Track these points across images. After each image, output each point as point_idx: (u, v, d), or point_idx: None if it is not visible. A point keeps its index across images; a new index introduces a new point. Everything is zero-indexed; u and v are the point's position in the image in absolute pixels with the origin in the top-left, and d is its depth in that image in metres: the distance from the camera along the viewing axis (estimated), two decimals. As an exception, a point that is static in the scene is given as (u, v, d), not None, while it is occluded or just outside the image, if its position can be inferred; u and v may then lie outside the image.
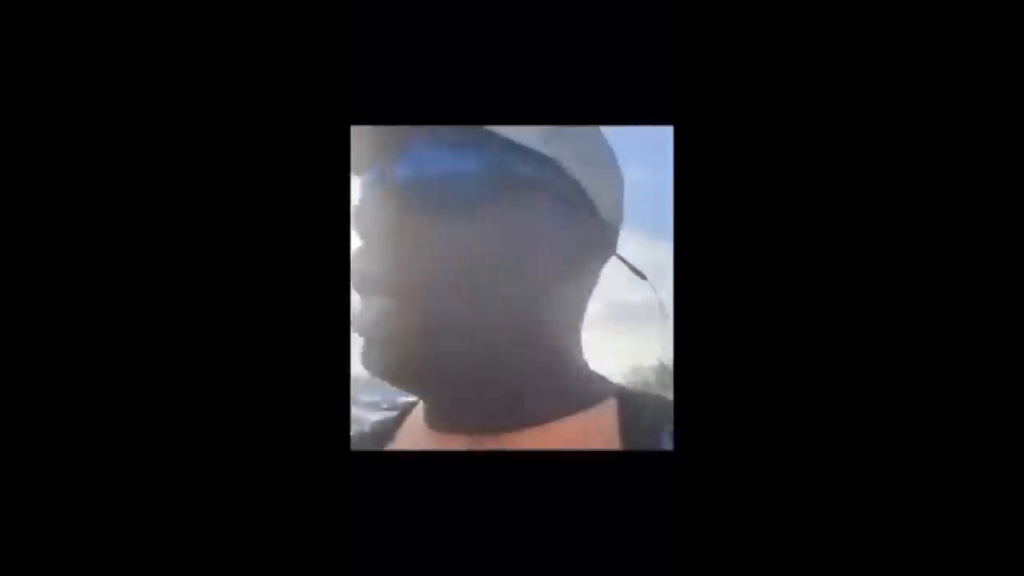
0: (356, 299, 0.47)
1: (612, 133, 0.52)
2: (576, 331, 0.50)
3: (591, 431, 0.47)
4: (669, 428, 0.46)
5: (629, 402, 0.49)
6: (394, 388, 0.47)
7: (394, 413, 0.57)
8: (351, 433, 0.53)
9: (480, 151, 0.44)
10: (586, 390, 0.49)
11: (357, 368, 0.49)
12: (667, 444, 0.45)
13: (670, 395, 0.50)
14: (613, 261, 0.52)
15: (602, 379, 0.51)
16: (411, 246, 0.44)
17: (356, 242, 0.47)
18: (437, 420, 0.49)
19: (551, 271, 0.45)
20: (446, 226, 0.43)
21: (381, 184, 0.46)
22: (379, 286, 0.44)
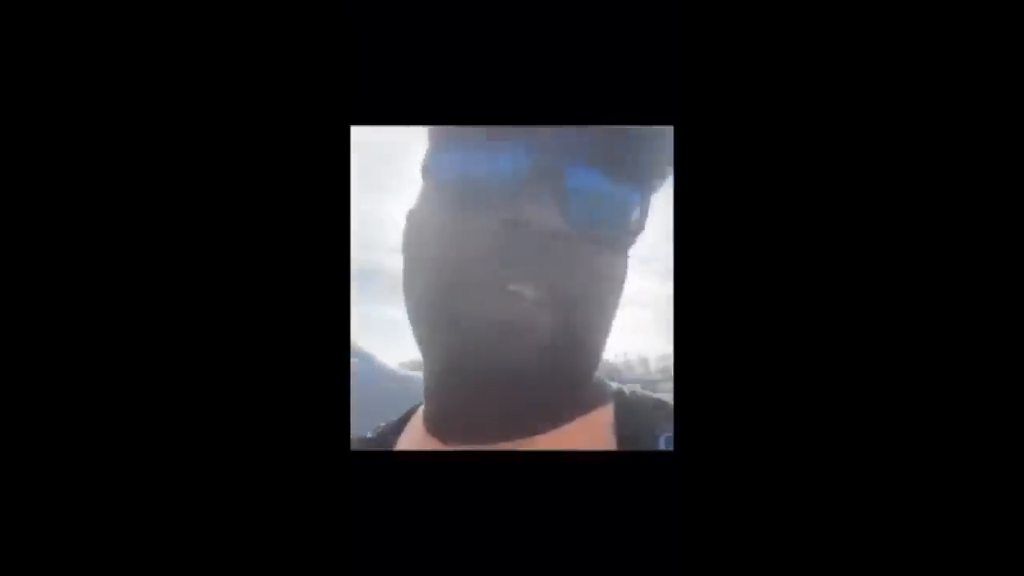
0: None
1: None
2: (595, 350, 0.48)
3: (587, 438, 0.46)
4: (667, 435, 0.45)
5: (625, 407, 0.48)
6: None
7: (395, 419, 0.56)
8: (353, 437, 0.53)
9: (521, 150, 0.43)
10: (585, 396, 0.48)
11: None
12: (662, 448, 0.45)
13: (664, 394, 0.49)
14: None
15: (600, 383, 0.50)
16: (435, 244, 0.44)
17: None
18: (437, 427, 0.48)
19: (577, 282, 0.44)
20: (475, 225, 0.42)
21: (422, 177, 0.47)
22: (410, 280, 0.46)
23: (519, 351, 0.41)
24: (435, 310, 0.43)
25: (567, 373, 0.45)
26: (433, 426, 0.49)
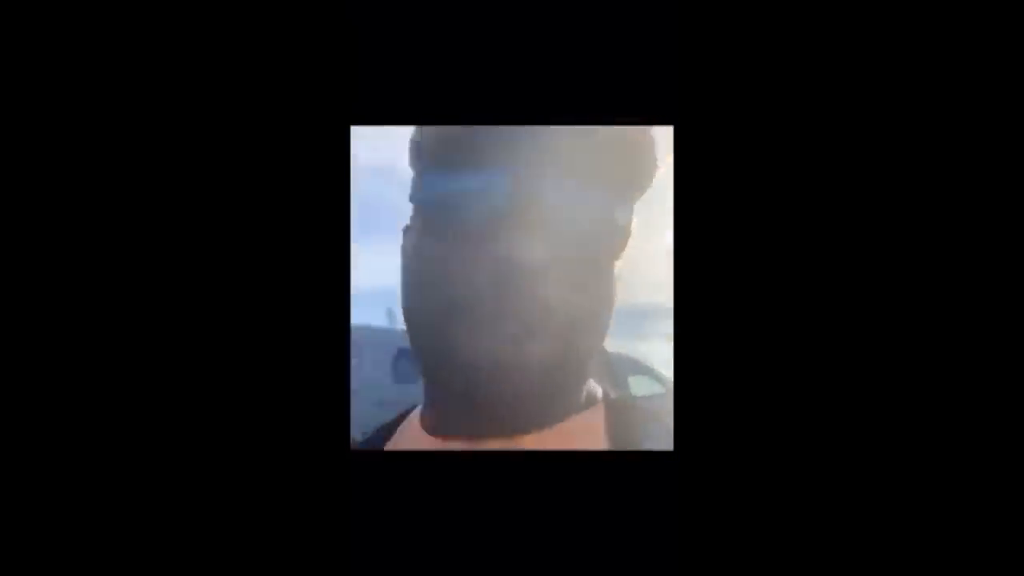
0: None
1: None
2: (587, 363, 0.48)
3: (578, 439, 0.46)
4: (655, 435, 0.45)
5: (615, 410, 0.49)
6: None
7: (392, 416, 0.56)
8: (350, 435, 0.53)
9: (500, 175, 0.43)
10: (578, 398, 0.48)
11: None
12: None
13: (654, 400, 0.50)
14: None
15: (592, 385, 0.50)
16: (430, 258, 0.44)
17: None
18: (434, 425, 0.49)
19: (569, 286, 0.44)
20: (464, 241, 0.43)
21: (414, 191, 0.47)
22: (409, 290, 0.45)
23: (510, 384, 0.42)
24: (430, 334, 0.44)
25: (561, 390, 0.45)
26: (432, 430, 0.49)
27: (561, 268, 0.42)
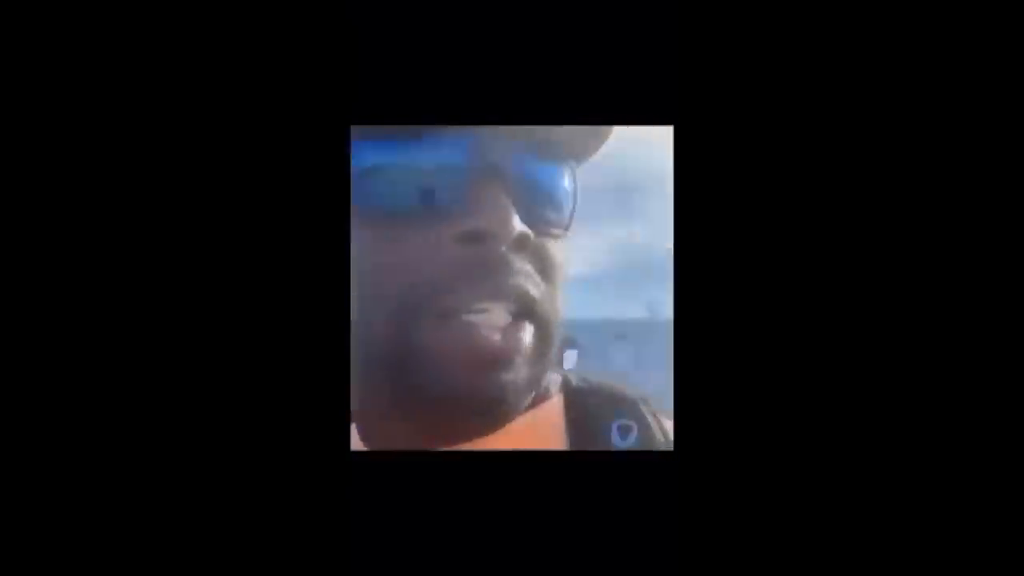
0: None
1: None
2: (554, 332, 0.44)
3: (536, 432, 0.45)
4: (619, 422, 0.44)
5: (575, 398, 0.47)
6: None
7: None
8: None
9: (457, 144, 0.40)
10: (534, 388, 0.44)
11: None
12: (616, 439, 0.43)
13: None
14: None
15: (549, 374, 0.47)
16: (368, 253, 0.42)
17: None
18: (367, 434, 0.46)
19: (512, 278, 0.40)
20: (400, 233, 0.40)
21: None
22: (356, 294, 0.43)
23: (496, 380, 0.38)
24: (393, 334, 0.40)
25: (534, 380, 0.43)
26: (365, 439, 0.46)
27: (526, 241, 0.39)
